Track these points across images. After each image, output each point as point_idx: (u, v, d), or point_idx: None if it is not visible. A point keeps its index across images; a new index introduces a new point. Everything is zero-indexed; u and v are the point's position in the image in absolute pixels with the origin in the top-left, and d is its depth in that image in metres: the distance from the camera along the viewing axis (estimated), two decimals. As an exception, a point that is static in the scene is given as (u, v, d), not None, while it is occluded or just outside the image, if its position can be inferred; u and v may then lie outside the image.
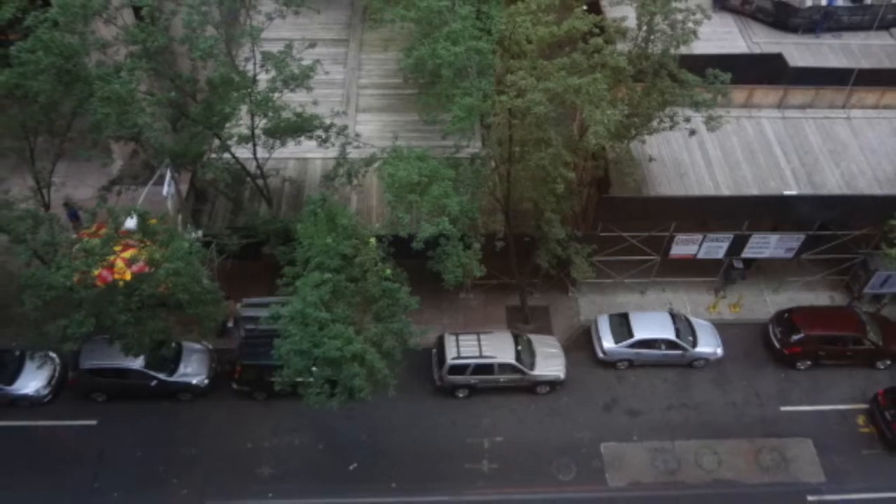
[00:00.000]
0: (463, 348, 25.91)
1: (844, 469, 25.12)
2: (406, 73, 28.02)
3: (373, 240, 21.57)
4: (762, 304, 29.74)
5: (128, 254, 21.49)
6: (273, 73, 22.15)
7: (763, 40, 31.28)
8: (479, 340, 26.22)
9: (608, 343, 27.20)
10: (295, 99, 23.47)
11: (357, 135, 27.14)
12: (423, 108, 25.52)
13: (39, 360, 24.41)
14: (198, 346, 26.42)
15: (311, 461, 24.77)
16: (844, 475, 24.98)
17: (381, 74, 31.09)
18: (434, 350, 26.58)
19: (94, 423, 25.27)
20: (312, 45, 23.69)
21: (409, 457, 24.88)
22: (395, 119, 29.00)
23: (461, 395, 26.37)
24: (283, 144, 24.29)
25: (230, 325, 27.12)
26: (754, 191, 26.63)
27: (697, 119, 24.03)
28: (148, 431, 25.09)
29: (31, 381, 25.26)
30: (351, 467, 24.74)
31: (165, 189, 23.87)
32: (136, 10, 22.51)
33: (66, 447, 24.64)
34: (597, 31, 22.60)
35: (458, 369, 25.71)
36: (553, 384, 26.53)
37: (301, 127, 23.76)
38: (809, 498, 24.51)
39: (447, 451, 25.09)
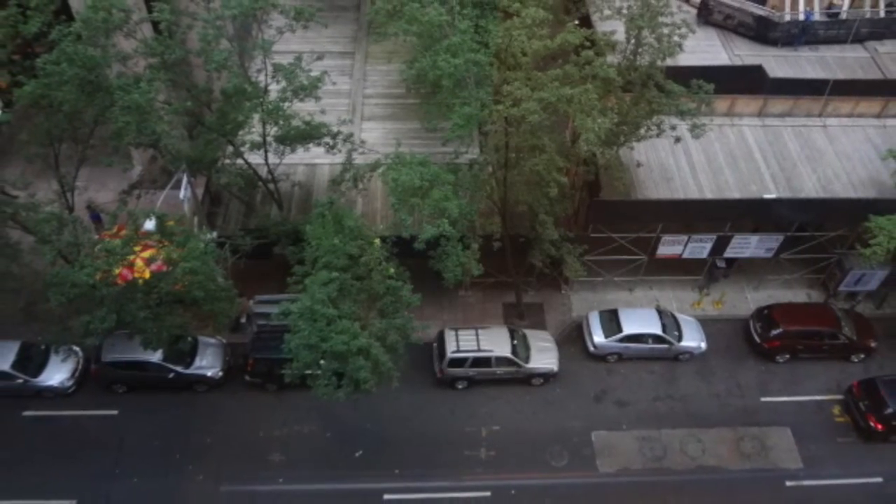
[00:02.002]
0: (462, 342, 25.93)
1: (820, 456, 25.16)
2: (408, 84, 28.02)
3: (377, 240, 21.58)
4: (743, 300, 29.77)
5: (147, 253, 21.51)
6: (283, 83, 22.16)
7: (744, 53, 31.32)
8: (477, 335, 26.23)
9: (598, 338, 27.22)
10: (304, 108, 23.49)
11: (362, 142, 27.15)
12: (424, 117, 25.52)
13: (63, 354, 24.41)
14: (212, 340, 26.44)
15: (319, 449, 24.79)
16: (820, 462, 25.02)
17: (385, 85, 31.09)
18: (435, 344, 26.60)
19: (115, 412, 25.30)
20: (320, 57, 23.68)
21: (412, 444, 24.90)
22: (398, 127, 29.00)
23: (460, 386, 26.38)
24: (292, 151, 24.28)
25: (243, 320, 27.14)
26: (736, 194, 26.65)
27: (682, 127, 24.07)
28: (166, 421, 25.11)
29: (56, 374, 25.29)
30: (357, 454, 24.76)
31: (182, 193, 23.89)
32: (155, 25, 22.51)
33: (89, 436, 24.67)
34: (588, 44, 22.63)
35: (458, 362, 25.73)
36: (547, 376, 26.55)
37: (310, 134, 23.77)
38: (788, 483, 24.55)
39: (447, 439, 25.12)
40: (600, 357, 27.50)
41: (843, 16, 31.61)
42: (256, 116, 22.50)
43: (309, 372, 20.13)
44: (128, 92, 20.10)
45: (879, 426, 24.96)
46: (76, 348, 25.24)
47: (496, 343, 26.02)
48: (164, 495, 23.41)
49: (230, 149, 24.13)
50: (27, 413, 25.10)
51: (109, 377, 25.33)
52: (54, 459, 23.93)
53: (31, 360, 25.22)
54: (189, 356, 25.42)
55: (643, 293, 29.82)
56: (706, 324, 28.30)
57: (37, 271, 22.35)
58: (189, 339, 24.36)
